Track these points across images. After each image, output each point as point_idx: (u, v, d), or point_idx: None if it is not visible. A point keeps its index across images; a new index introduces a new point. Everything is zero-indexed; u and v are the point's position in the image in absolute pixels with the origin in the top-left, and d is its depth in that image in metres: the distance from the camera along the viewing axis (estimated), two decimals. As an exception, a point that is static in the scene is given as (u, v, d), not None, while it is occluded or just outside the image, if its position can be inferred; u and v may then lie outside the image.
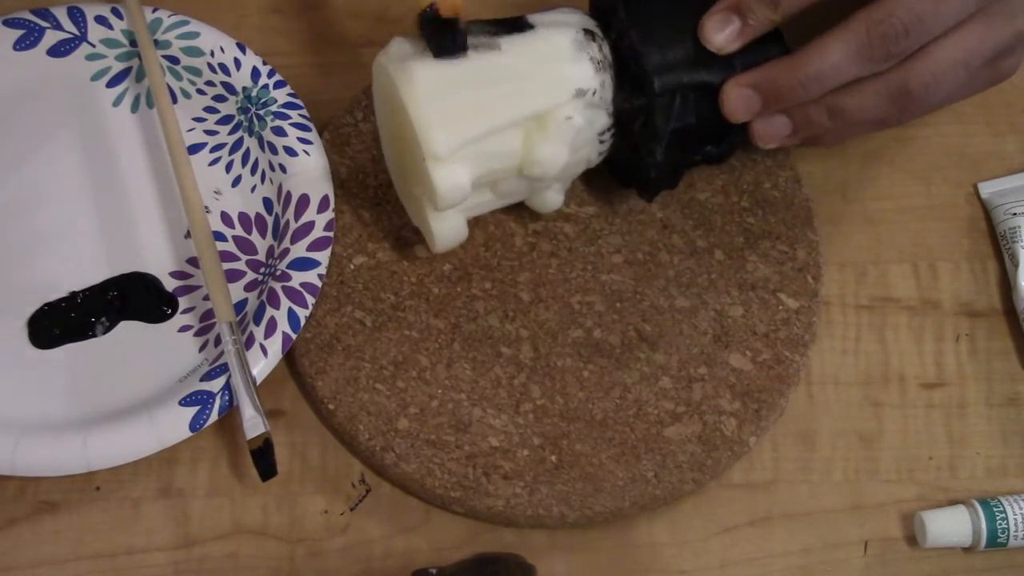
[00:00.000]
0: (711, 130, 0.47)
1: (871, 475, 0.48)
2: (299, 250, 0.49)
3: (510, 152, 0.45)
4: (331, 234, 0.50)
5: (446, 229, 0.47)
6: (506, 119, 0.44)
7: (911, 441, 0.49)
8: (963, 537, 0.46)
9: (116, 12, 0.54)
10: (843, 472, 0.48)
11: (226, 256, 0.51)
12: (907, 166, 0.55)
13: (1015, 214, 0.52)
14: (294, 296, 0.48)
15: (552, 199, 0.49)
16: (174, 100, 0.53)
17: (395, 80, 0.43)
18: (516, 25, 0.45)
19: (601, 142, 0.47)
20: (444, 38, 0.43)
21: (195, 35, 0.53)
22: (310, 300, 0.48)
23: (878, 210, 0.54)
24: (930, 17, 0.42)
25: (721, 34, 0.44)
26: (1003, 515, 0.46)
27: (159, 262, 0.51)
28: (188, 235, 0.51)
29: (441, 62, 0.43)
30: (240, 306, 0.49)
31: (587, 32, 0.45)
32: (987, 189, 0.54)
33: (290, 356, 0.49)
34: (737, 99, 0.45)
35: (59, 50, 0.54)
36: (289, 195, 0.50)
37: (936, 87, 0.44)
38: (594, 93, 0.45)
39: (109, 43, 0.54)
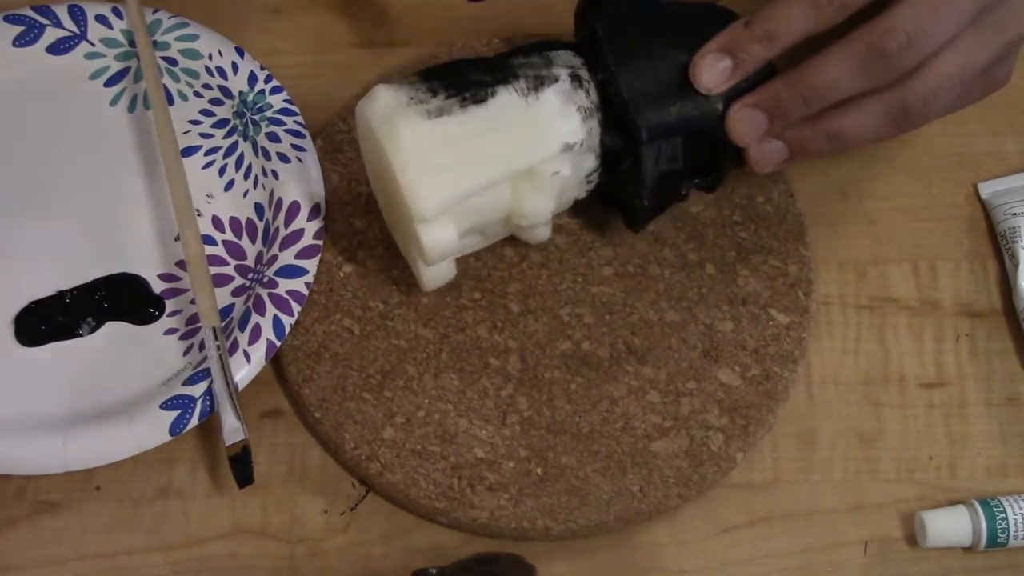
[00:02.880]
0: (698, 167, 0.47)
1: (871, 475, 0.48)
2: (287, 257, 0.49)
3: (498, 205, 0.44)
4: (320, 242, 0.49)
5: (434, 272, 0.47)
6: (493, 178, 0.43)
7: (911, 441, 0.49)
8: (963, 537, 0.46)
9: (116, 12, 0.54)
10: (843, 472, 0.48)
11: (215, 260, 0.50)
12: (907, 166, 0.54)
13: (1015, 214, 0.52)
14: (280, 303, 0.48)
15: (540, 233, 0.48)
16: (171, 102, 0.53)
17: (381, 140, 0.43)
18: (503, 74, 0.44)
19: (588, 182, 0.47)
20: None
21: (194, 37, 0.53)
22: (296, 308, 0.48)
23: (878, 210, 0.54)
24: (930, 30, 0.42)
25: (713, 75, 0.44)
26: (1003, 515, 0.46)
27: (148, 264, 0.51)
28: (178, 238, 0.51)
29: (427, 120, 0.43)
30: (226, 311, 0.49)
31: (574, 77, 0.45)
32: (987, 189, 0.54)
33: (278, 363, 0.49)
34: (743, 120, 0.45)
35: (58, 47, 0.54)
36: (280, 201, 0.50)
37: (934, 102, 0.43)
38: (582, 144, 0.45)
39: (108, 42, 0.54)
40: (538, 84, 0.44)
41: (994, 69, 0.45)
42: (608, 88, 0.45)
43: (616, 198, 0.48)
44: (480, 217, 0.45)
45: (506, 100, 0.44)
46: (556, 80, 0.44)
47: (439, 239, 0.43)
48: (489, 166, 0.43)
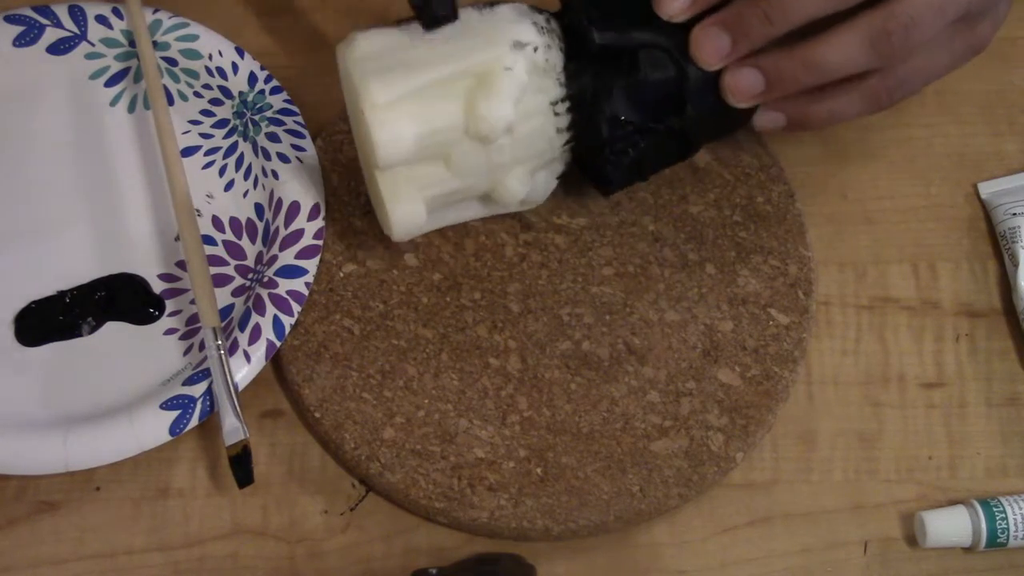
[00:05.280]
0: (667, 96, 0.46)
1: (871, 475, 0.48)
2: (287, 257, 0.49)
3: (452, 109, 0.44)
4: (320, 242, 0.49)
5: (403, 213, 0.45)
6: (445, 72, 0.43)
7: (911, 441, 0.49)
8: (963, 537, 0.46)
9: (116, 12, 0.54)
10: (843, 472, 0.48)
11: (215, 260, 0.50)
12: (907, 166, 0.55)
13: (1015, 214, 0.52)
14: (280, 303, 0.48)
15: (514, 187, 0.47)
16: (171, 102, 0.53)
17: (343, 57, 0.44)
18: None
19: (556, 114, 0.45)
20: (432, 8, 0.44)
21: (194, 37, 0.53)
22: (296, 308, 0.48)
23: (878, 210, 0.54)
24: None
25: (675, 2, 0.44)
26: (1003, 515, 0.46)
27: (148, 264, 0.51)
28: (178, 238, 0.51)
29: (381, 30, 0.44)
30: (226, 311, 0.49)
31: (532, 7, 0.45)
32: (987, 189, 0.54)
33: (278, 363, 0.49)
34: (704, 38, 0.44)
35: (58, 48, 0.54)
36: (280, 201, 0.50)
37: (915, 29, 0.42)
38: (535, 49, 0.44)
39: (108, 43, 0.54)
40: (494, 2, 0.45)
41: (976, 22, 0.44)
42: (572, 20, 0.45)
43: (592, 149, 0.47)
44: (435, 121, 0.43)
45: (462, 13, 0.45)
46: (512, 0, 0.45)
47: (391, 129, 0.42)
48: (440, 62, 0.44)
